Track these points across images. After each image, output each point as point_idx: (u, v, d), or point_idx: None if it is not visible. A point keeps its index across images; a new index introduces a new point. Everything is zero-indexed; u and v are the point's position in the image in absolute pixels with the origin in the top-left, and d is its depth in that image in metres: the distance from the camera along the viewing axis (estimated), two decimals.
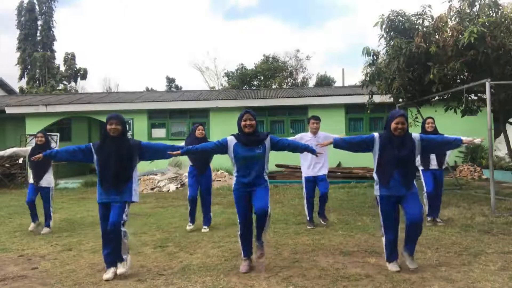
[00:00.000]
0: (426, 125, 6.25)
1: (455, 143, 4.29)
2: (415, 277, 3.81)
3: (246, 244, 4.26)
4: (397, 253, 4.11)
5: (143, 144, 4.28)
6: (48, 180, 6.60)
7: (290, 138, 6.28)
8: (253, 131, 4.13)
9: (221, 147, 4.20)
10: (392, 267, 4.03)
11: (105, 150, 4.08)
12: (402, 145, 3.94)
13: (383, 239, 4.14)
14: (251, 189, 4.14)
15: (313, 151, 4.42)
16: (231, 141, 4.18)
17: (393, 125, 3.94)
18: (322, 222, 6.22)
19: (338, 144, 4.24)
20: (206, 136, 6.38)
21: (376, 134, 4.12)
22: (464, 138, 4.28)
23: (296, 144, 4.43)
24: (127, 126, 4.22)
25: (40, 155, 4.43)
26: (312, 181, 6.24)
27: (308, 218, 6.26)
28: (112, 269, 4.09)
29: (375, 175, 4.10)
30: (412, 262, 4.03)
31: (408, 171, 3.98)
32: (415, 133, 4.14)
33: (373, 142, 4.08)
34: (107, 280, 3.98)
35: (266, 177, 4.23)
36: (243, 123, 4.12)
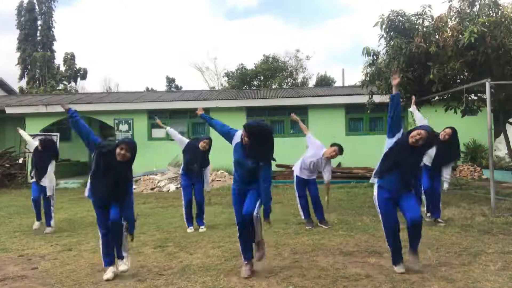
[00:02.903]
0: (442, 133, 6.07)
1: None
2: (415, 277, 3.81)
3: (245, 247, 4.13)
4: (401, 255, 4.07)
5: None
6: (49, 178, 6.61)
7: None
8: None
9: (228, 136, 4.22)
10: (399, 269, 3.99)
11: (106, 164, 3.96)
12: (413, 151, 3.94)
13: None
14: (247, 188, 4.07)
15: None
16: (237, 137, 4.09)
17: (413, 133, 3.90)
18: (324, 226, 6.14)
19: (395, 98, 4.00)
20: (208, 149, 6.38)
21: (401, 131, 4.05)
22: None
23: None
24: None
25: (67, 106, 4.28)
26: (303, 181, 6.33)
27: (304, 219, 6.25)
28: (111, 268, 4.10)
29: (378, 166, 4.07)
30: (417, 262, 4.00)
31: (410, 173, 3.98)
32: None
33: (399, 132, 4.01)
34: (107, 280, 3.98)
35: None
36: (244, 139, 3.94)
